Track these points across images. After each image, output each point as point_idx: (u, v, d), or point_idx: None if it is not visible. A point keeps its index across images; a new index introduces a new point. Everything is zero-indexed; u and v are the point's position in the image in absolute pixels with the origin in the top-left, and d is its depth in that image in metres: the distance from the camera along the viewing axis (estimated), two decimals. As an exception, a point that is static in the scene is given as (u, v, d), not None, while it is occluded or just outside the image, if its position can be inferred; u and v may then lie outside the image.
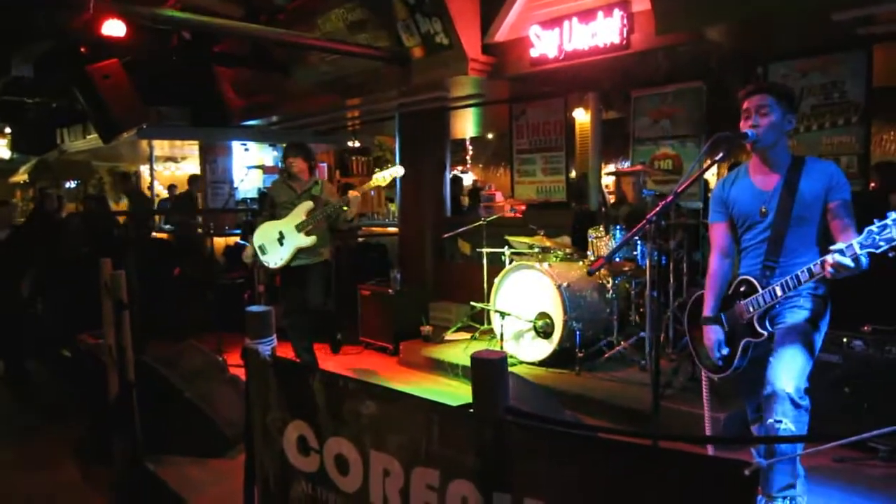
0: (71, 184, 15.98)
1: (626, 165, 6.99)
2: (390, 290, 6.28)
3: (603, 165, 7.91)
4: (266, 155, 12.67)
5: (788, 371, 2.59)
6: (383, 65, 6.43)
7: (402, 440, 1.92)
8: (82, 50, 6.33)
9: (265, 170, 12.18)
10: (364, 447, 2.02)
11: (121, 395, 3.63)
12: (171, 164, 14.26)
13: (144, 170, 13.95)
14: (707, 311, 2.93)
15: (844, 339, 3.79)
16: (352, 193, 5.18)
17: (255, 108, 9.08)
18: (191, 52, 8.31)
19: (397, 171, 5.28)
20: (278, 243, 5.25)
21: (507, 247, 5.82)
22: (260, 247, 5.35)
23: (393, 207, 9.74)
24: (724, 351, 2.84)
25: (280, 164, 12.59)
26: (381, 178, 5.25)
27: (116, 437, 3.69)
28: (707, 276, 2.99)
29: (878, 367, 3.69)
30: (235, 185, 11.00)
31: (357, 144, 11.87)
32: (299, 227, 5.18)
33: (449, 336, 6.16)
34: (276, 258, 5.26)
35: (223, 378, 4.32)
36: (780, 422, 2.55)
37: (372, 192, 12.58)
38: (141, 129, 9.00)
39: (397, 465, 1.93)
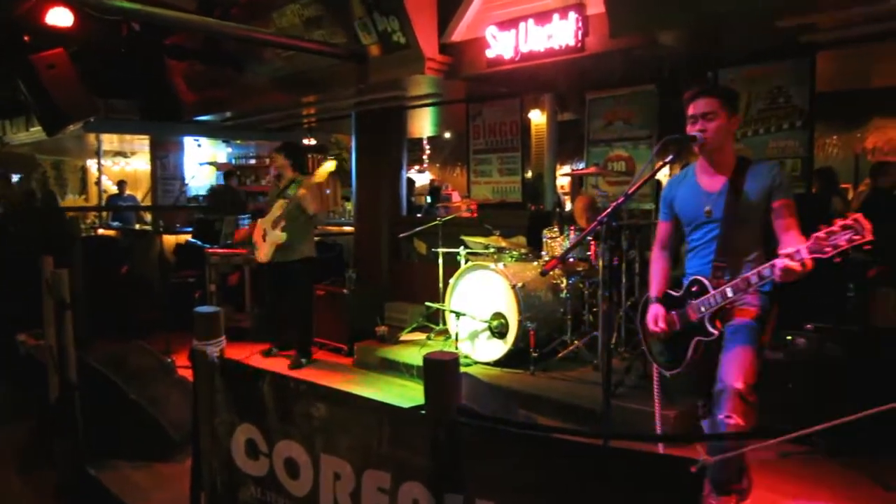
0: (13, 178, 15.38)
1: (580, 166, 7.07)
2: (345, 290, 6.22)
3: (558, 166, 7.99)
4: (219, 151, 12.45)
5: (738, 368, 2.66)
6: (340, 62, 6.36)
7: (353, 443, 1.90)
8: (25, 38, 6.09)
9: (218, 167, 11.97)
10: (314, 450, 1.99)
11: (62, 398, 3.51)
12: (121, 159, 13.88)
13: (92, 164, 13.54)
14: (651, 293, 3.05)
15: (788, 337, 3.90)
16: (300, 192, 5.45)
17: (208, 102, 8.89)
18: (141, 44, 8.08)
19: (329, 166, 5.58)
20: (262, 240, 5.65)
21: (462, 247, 5.82)
22: (253, 243, 5.79)
23: (349, 206, 9.66)
24: (661, 325, 2.92)
25: (233, 161, 12.44)
26: (319, 175, 5.54)
27: (58, 441, 3.57)
28: (650, 265, 3.14)
29: (820, 364, 3.81)
30: (187, 182, 10.78)
31: (313, 142, 11.74)
32: (274, 224, 5.55)
33: (404, 336, 6.14)
34: (260, 254, 5.68)
35: (171, 380, 4.21)
36: (730, 417, 2.62)
37: (327, 190, 12.49)
38: (88, 123, 8.71)
39: (348, 467, 1.90)
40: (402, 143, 7.94)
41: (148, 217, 11.17)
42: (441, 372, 1.71)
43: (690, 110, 2.81)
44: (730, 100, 2.82)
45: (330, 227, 9.60)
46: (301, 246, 5.65)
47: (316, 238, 8.60)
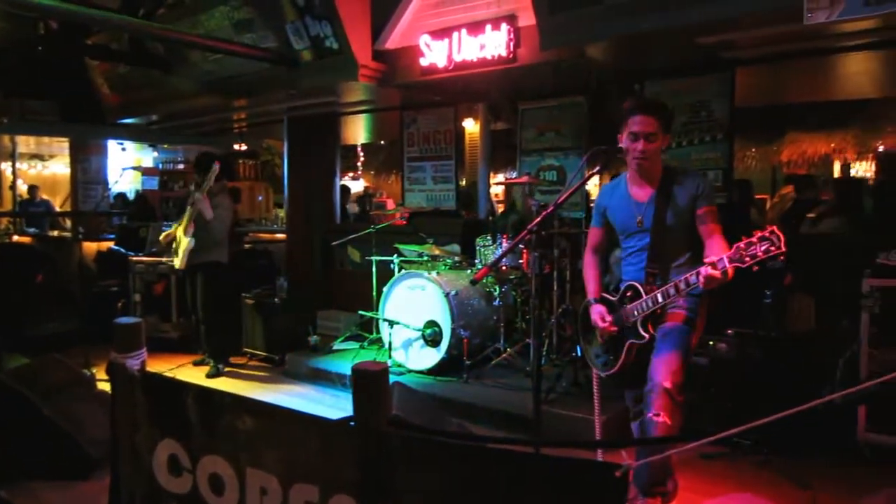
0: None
1: (513, 175, 7.17)
2: (276, 299, 6.09)
3: (491, 175, 8.08)
4: (145, 156, 12.02)
5: (667, 368, 2.77)
6: (271, 67, 6.25)
7: (280, 456, 1.86)
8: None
9: (144, 171, 11.56)
10: (240, 465, 1.93)
11: (-32, 417, 3.30)
12: (38, 162, 13.21)
13: (6, 167, 12.84)
14: (590, 295, 3.16)
15: (710, 343, 4.05)
16: (195, 196, 5.52)
17: (132, 105, 8.58)
18: (60, 43, 7.73)
19: (214, 168, 5.56)
20: (178, 247, 5.70)
21: (396, 255, 5.80)
22: (174, 251, 5.82)
23: (281, 213, 9.49)
24: (608, 319, 3.01)
25: (160, 166, 12.05)
26: (208, 181, 5.52)
27: (-37, 462, 3.36)
28: (584, 269, 3.25)
29: (741, 368, 3.97)
30: (110, 187, 10.37)
31: (244, 148, 11.49)
32: (185, 231, 5.60)
33: (337, 346, 6.05)
34: (176, 261, 5.70)
35: (90, 394, 4.01)
36: (659, 415, 2.72)
37: (260, 198, 12.27)
38: (1, 123, 8.30)
39: (275, 482, 1.86)
40: (336, 150, 7.86)
41: (68, 223, 10.66)
42: (370, 383, 1.69)
43: (634, 127, 2.87)
44: (668, 121, 2.95)
45: (261, 235, 9.40)
46: (209, 250, 5.64)
47: (246, 245, 8.45)
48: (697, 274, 2.63)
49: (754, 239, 2.44)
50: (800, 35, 4.22)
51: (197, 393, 2.03)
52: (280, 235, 8.63)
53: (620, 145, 2.93)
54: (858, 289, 3.81)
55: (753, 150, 9.70)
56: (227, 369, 5.86)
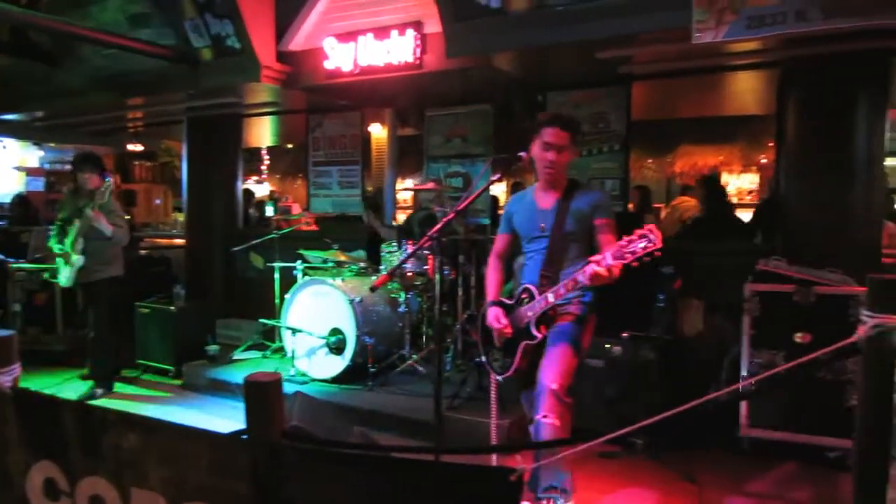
0: None
1: (420, 181, 7.20)
2: (173, 307, 5.83)
3: (399, 180, 8.08)
4: (29, 154, 11.26)
5: (555, 370, 2.85)
6: (170, 64, 5.99)
7: (167, 474, 1.77)
8: None
9: (28, 171, 10.84)
10: (124, 485, 1.82)
11: None
12: None
13: None
14: (489, 298, 3.23)
15: (607, 346, 4.20)
16: (88, 213, 4.94)
17: (13, 100, 8.00)
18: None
19: (109, 182, 5.16)
20: (64, 262, 5.17)
21: (300, 261, 5.68)
22: (57, 266, 5.29)
23: (180, 217, 9.11)
24: (504, 321, 3.08)
25: (47, 166, 11.32)
26: (106, 186, 5.06)
27: None
28: (486, 273, 3.34)
29: (634, 369, 4.14)
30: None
31: (140, 148, 10.98)
32: (73, 246, 5.08)
33: (237, 355, 5.85)
34: (62, 278, 5.21)
35: (-41, 413, 3.69)
36: (546, 417, 2.79)
37: (157, 201, 11.75)
38: None
39: (162, 501, 1.77)
40: (238, 152, 7.62)
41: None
42: (262, 394, 1.64)
43: (547, 137, 2.99)
44: (577, 136, 3.11)
45: (158, 240, 8.99)
46: (105, 266, 5.19)
47: (142, 251, 8.06)
48: (584, 272, 2.71)
49: (634, 237, 2.56)
50: (690, 53, 4.47)
51: (75, 410, 1.90)
52: (179, 241, 8.30)
53: (525, 153, 3.02)
54: (741, 293, 4.05)
55: (649, 160, 10.20)
56: (116, 382, 5.54)
